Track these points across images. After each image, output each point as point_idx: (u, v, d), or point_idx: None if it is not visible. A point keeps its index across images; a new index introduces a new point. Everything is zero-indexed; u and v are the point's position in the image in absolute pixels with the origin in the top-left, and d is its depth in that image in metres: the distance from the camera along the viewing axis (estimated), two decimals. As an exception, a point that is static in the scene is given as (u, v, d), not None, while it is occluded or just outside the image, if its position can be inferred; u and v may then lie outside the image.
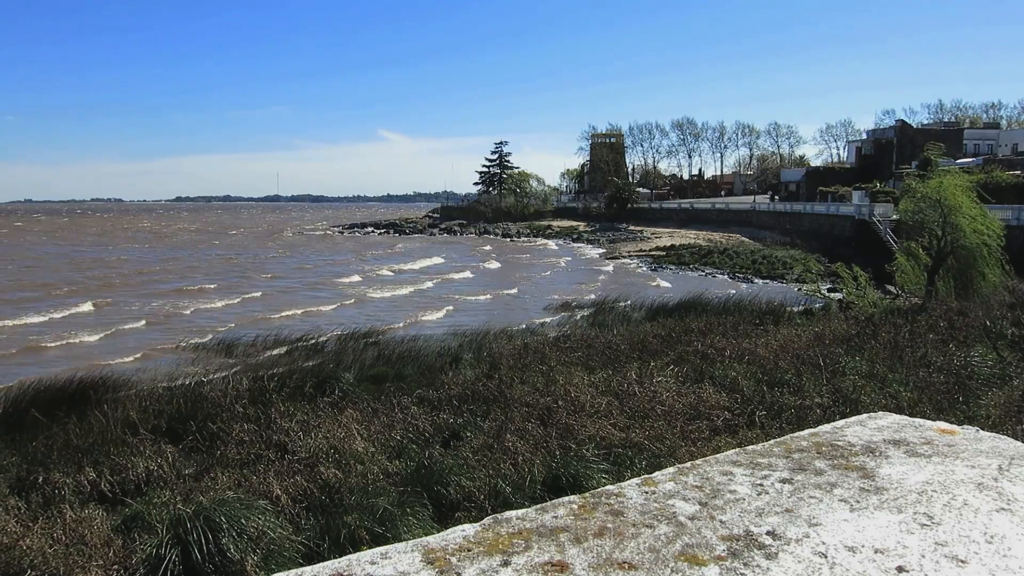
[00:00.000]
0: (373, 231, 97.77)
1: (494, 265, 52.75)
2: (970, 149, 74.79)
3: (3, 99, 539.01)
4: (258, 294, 34.80)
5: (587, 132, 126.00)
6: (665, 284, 37.98)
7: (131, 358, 19.76)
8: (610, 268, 49.47)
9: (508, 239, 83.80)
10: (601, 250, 64.70)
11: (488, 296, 34.41)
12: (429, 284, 39.06)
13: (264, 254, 63.06)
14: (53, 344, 22.19)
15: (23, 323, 25.99)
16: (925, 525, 1.49)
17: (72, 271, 46.13)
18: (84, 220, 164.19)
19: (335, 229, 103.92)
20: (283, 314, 27.85)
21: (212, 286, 37.83)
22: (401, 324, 24.94)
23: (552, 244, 75.99)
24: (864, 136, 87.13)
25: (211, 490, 7.54)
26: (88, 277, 42.11)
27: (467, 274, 45.39)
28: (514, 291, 35.81)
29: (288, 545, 6.39)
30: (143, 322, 26.48)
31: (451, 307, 30.32)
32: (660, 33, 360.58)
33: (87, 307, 29.65)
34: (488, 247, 70.97)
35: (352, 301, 32.21)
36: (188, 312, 29.04)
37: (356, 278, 42.21)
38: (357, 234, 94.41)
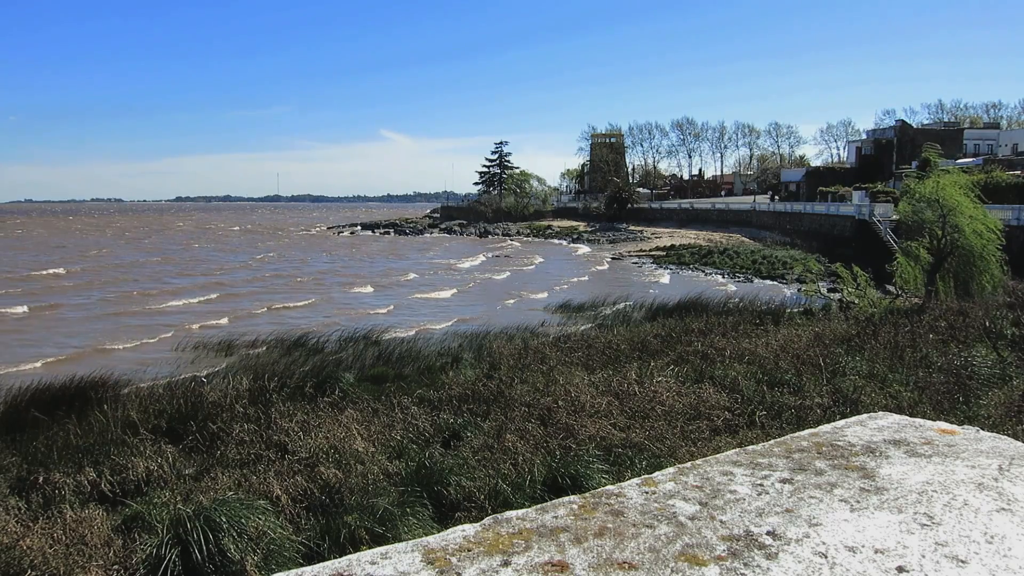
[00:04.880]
0: (379, 231, 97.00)
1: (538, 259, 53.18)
2: (970, 149, 74.76)
3: (3, 99, 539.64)
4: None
5: (587, 132, 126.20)
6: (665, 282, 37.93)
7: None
8: (608, 267, 49.51)
9: (509, 238, 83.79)
10: (602, 250, 64.68)
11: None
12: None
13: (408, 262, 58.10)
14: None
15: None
16: (925, 525, 1.49)
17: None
18: (142, 221, 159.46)
19: (378, 231, 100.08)
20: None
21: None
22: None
23: (554, 244, 75.97)
24: (864, 136, 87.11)
25: (211, 490, 7.54)
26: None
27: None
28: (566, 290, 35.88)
29: (288, 545, 6.39)
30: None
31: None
32: (660, 33, 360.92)
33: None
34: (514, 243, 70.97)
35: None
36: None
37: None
38: (409, 235, 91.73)
